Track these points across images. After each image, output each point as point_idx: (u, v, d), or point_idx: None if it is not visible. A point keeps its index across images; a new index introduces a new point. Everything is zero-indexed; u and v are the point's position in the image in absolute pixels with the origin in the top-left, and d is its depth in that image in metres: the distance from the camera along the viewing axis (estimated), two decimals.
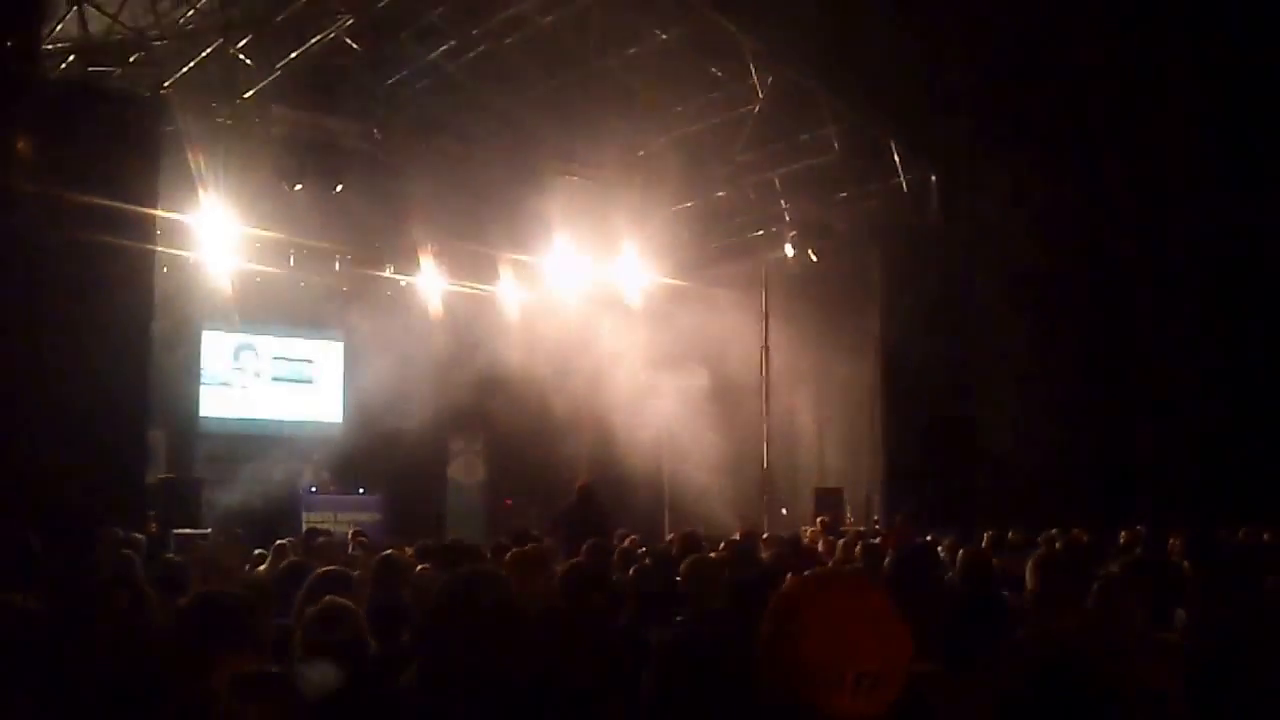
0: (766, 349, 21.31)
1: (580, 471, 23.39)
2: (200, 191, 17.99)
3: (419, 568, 7.67)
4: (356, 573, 6.95)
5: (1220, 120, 14.38)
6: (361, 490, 21.25)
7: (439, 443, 23.67)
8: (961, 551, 9.71)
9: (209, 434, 22.55)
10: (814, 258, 19.90)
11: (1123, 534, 11.76)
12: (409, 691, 3.74)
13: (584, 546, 8.58)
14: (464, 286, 22.80)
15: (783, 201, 19.66)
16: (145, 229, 14.36)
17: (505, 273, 22.65)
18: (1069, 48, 15.41)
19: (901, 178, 17.94)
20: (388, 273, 22.70)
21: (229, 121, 17.04)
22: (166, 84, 15.55)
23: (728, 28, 16.53)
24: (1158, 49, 14.87)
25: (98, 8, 14.76)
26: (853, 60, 16.03)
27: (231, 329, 22.99)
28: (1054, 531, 11.80)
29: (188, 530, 15.03)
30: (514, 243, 21.51)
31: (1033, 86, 15.74)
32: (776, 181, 19.51)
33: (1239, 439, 14.14)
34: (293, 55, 16.18)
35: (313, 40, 15.95)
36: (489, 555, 9.45)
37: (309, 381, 24.25)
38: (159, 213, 15.36)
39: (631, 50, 17.20)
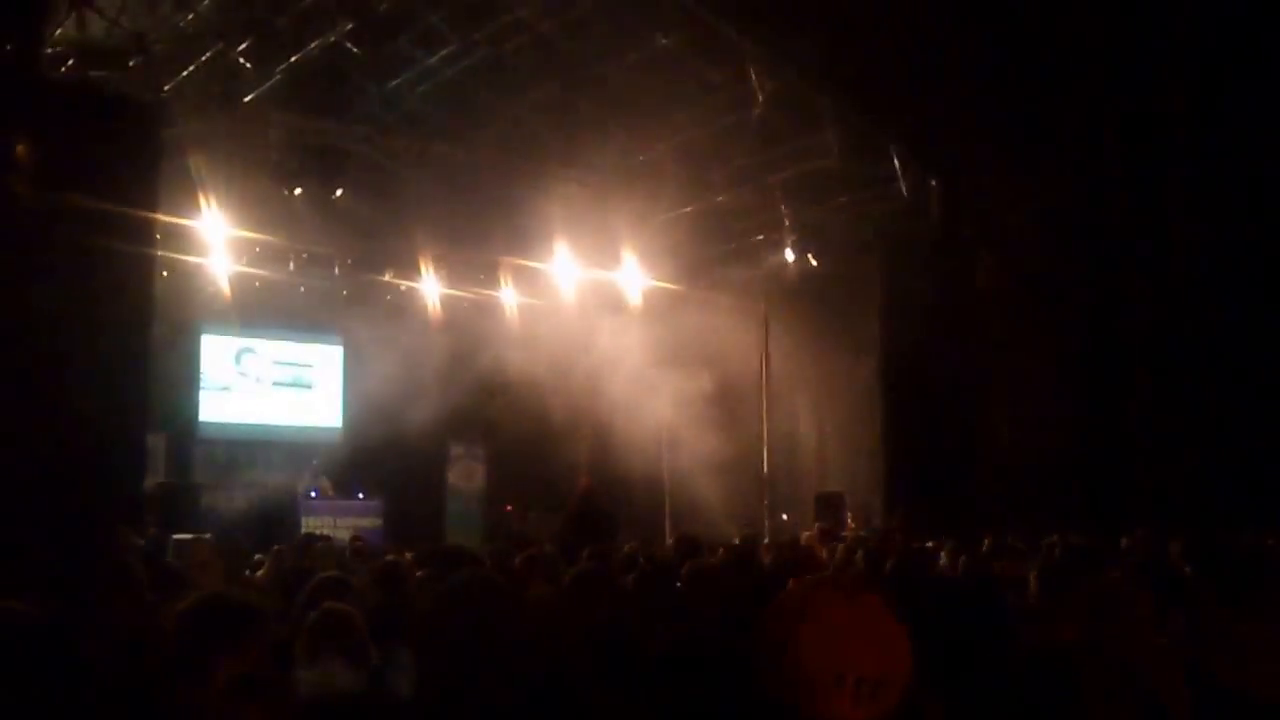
0: (767, 354, 21.31)
1: (580, 477, 23.48)
2: (200, 195, 18.00)
3: (418, 574, 7.66)
4: (354, 578, 6.94)
5: (1226, 122, 14.35)
6: (361, 495, 21.23)
7: (439, 448, 23.65)
8: (962, 558, 9.72)
9: (208, 439, 22.53)
10: (814, 263, 19.89)
11: (1124, 539, 11.73)
12: (409, 698, 3.73)
13: (585, 553, 8.55)
14: (464, 291, 22.79)
15: (782, 206, 19.64)
16: (144, 233, 14.32)
17: (505, 278, 22.64)
18: (1070, 50, 15.39)
19: (902, 182, 17.92)
20: (387, 277, 22.68)
21: (229, 125, 17.01)
22: (166, 88, 15.55)
23: (727, 32, 16.50)
24: (1162, 50, 14.84)
25: (98, 11, 14.75)
26: (852, 64, 16.00)
27: (231, 333, 22.97)
28: (1055, 537, 11.79)
29: (186, 535, 14.99)
30: (514, 247, 21.51)
31: (1034, 90, 15.71)
32: (776, 186, 19.47)
33: (1243, 443, 14.10)
34: (292, 59, 16.17)
35: (312, 44, 15.95)
36: (488, 561, 9.42)
37: (308, 386, 24.23)
38: (158, 216, 15.34)
39: (631, 55, 17.18)
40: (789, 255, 19.98)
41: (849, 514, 18.31)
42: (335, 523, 19.14)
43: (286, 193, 18.92)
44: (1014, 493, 16.00)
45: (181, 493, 18.21)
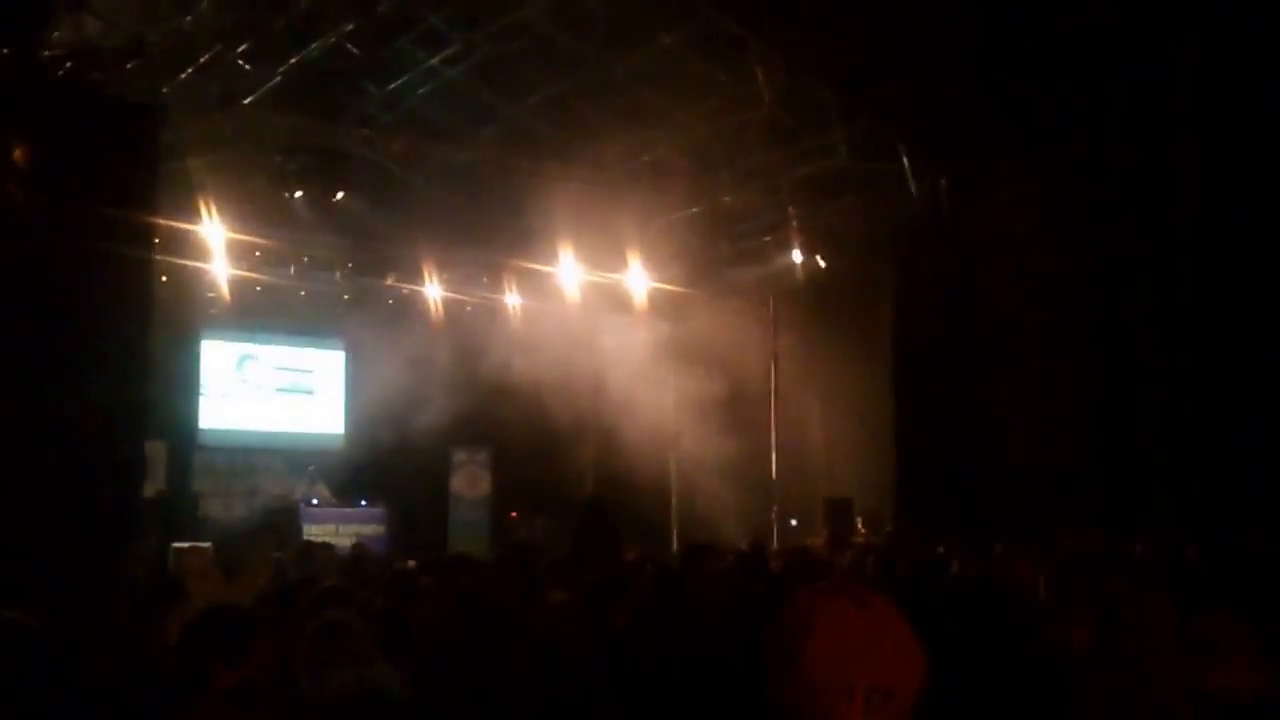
0: (775, 356, 21.21)
1: (586, 483, 23.40)
2: (199, 199, 17.93)
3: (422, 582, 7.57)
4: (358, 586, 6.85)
5: (1235, 121, 14.26)
6: (363, 503, 21.18)
7: (442, 454, 23.60)
8: (973, 563, 9.62)
9: (208, 446, 22.45)
10: (822, 264, 19.81)
11: (1138, 543, 11.63)
12: (410, 705, 3.68)
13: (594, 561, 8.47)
14: (467, 295, 22.74)
15: (790, 207, 19.56)
16: (143, 236, 14.21)
17: (509, 281, 22.58)
18: (1080, 47, 15.30)
19: (911, 182, 17.82)
20: (389, 281, 22.63)
21: (228, 128, 16.93)
22: (165, 90, 15.44)
23: (733, 31, 16.40)
24: (1170, 47, 14.76)
25: (95, 14, 14.66)
26: (860, 63, 15.92)
27: (231, 339, 22.93)
28: (1068, 541, 11.68)
29: (185, 545, 14.88)
30: (517, 250, 21.44)
31: (1044, 89, 15.63)
32: (784, 187, 19.38)
33: (1257, 444, 14.00)
34: (292, 61, 16.10)
35: (312, 46, 15.88)
36: (494, 570, 9.32)
37: (310, 392, 24.17)
38: (157, 220, 15.25)
39: (635, 55, 17.08)
40: (797, 256, 19.91)
41: (859, 519, 18.21)
42: (338, 530, 19.10)
43: (287, 195, 18.88)
44: (1026, 496, 15.92)
45: (181, 501, 18.14)
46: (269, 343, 23.68)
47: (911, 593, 5.90)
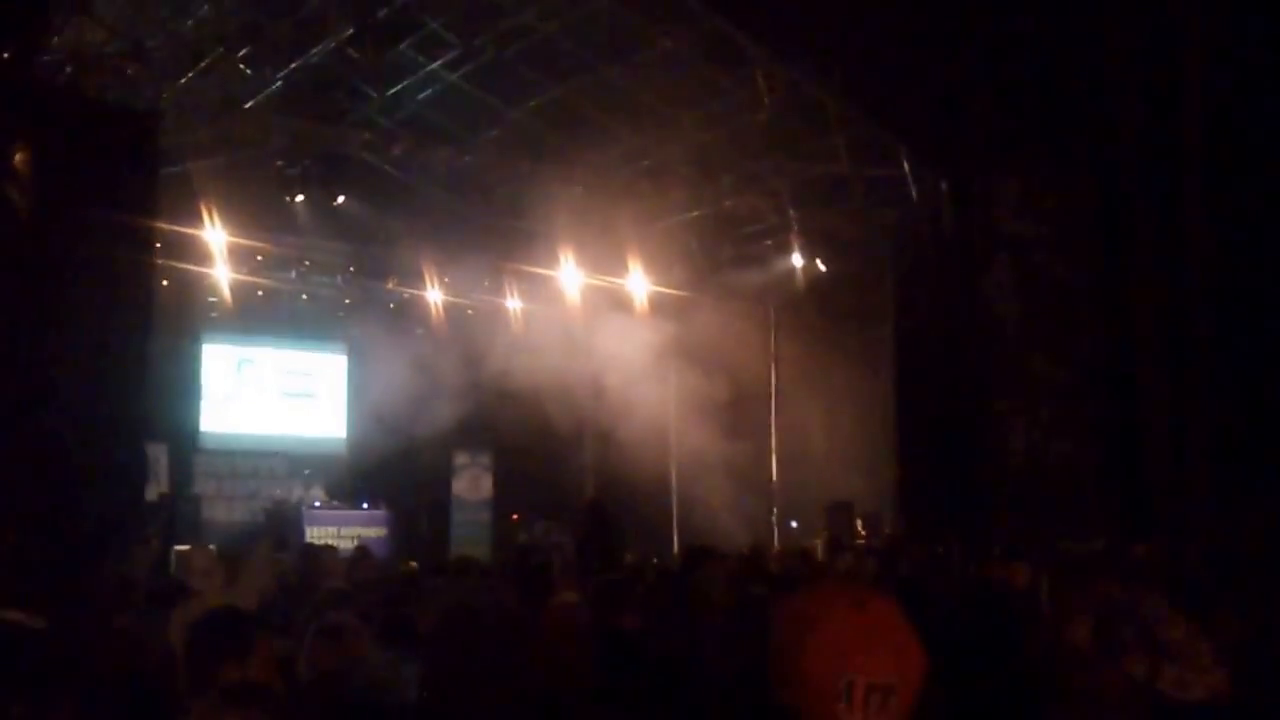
0: (775, 360, 21.21)
1: (588, 486, 23.41)
2: (200, 203, 17.94)
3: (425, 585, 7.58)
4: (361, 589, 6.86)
5: (1241, 125, 14.26)
6: (365, 505, 21.17)
7: (443, 457, 23.58)
8: (973, 565, 9.63)
9: (210, 450, 22.44)
10: (822, 267, 19.80)
11: (1138, 546, 11.63)
12: (411, 708, 3.69)
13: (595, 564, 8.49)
14: (468, 298, 22.72)
15: (790, 211, 19.55)
16: (144, 241, 14.23)
17: (510, 284, 22.57)
18: (1082, 52, 15.29)
19: (911, 186, 17.79)
20: (391, 285, 22.64)
21: (229, 132, 16.94)
22: (166, 95, 15.46)
23: (733, 35, 16.41)
24: (1173, 52, 14.76)
25: (96, 19, 14.67)
26: (860, 67, 15.91)
27: (233, 342, 22.93)
28: (1068, 543, 11.67)
29: (188, 547, 14.89)
30: (518, 253, 21.43)
31: (1045, 92, 15.61)
32: (784, 190, 19.38)
33: (1261, 448, 14.00)
34: (293, 65, 16.11)
35: (313, 50, 15.89)
36: (497, 572, 9.34)
37: (311, 395, 24.15)
38: (158, 224, 15.26)
39: (636, 58, 17.09)
40: (797, 260, 19.89)
41: (859, 522, 18.21)
42: (339, 532, 19.08)
43: (288, 199, 18.89)
44: (1026, 500, 15.90)
45: (183, 504, 18.13)
46: (270, 346, 23.66)
47: (911, 594, 5.90)
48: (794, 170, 18.90)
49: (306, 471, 21.68)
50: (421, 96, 18.64)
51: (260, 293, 21.55)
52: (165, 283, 18.66)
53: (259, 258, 20.68)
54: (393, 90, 18.41)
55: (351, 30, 15.59)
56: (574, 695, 4.49)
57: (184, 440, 21.55)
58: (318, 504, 20.62)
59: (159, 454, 19.19)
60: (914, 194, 17.84)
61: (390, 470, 22.52)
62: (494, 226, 21.25)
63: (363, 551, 12.28)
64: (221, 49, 15.49)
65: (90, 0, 14.52)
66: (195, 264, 19.82)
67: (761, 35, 16.35)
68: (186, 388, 21.80)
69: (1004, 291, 16.71)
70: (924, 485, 17.30)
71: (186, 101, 15.89)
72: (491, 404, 22.13)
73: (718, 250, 21.48)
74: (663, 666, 5.23)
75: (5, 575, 6.80)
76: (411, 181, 20.69)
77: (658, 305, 21.64)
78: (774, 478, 21.10)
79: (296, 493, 20.75)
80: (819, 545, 16.11)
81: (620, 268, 21.25)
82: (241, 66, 15.98)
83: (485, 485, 23.81)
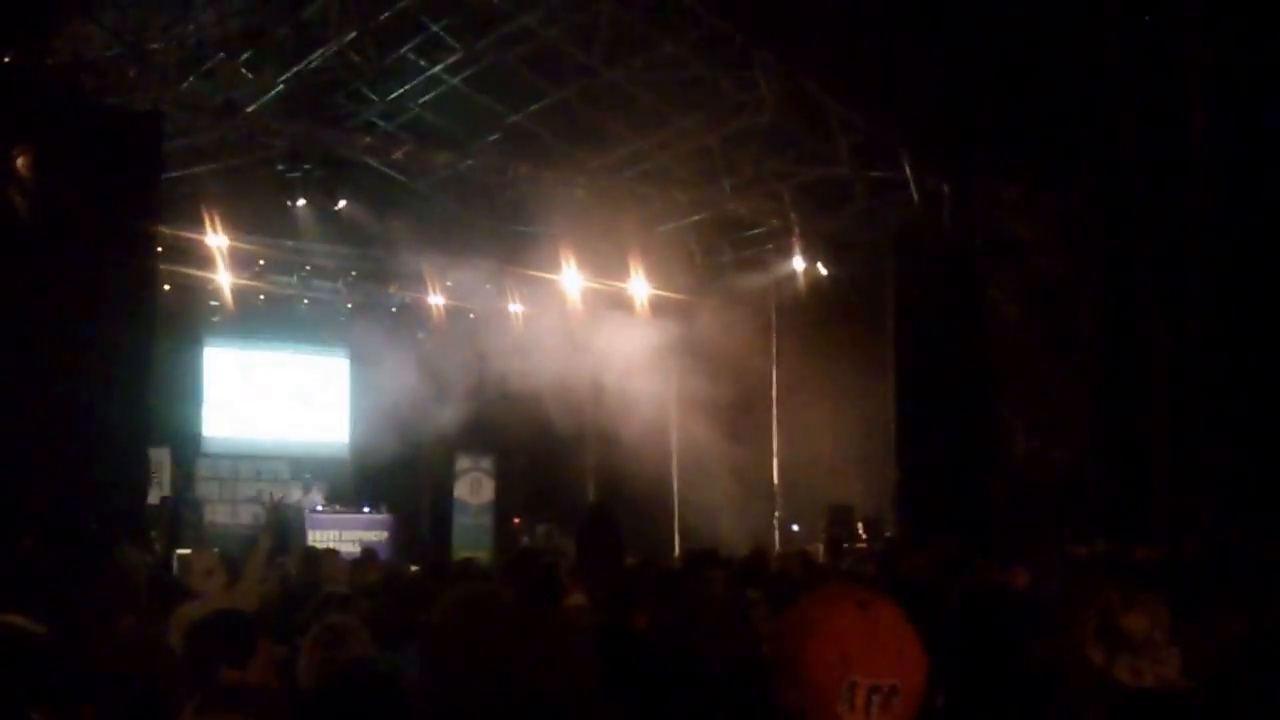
0: (776, 363, 21.19)
1: (589, 490, 23.41)
2: (202, 207, 17.94)
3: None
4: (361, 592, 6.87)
5: (1244, 127, 14.25)
6: (367, 509, 21.17)
7: (445, 461, 23.58)
8: (974, 569, 9.61)
9: (212, 454, 22.45)
10: (824, 270, 19.79)
11: (1140, 548, 11.63)
12: (413, 711, 3.69)
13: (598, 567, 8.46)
14: (470, 302, 22.73)
15: (792, 214, 19.54)
16: (146, 245, 14.26)
17: (511, 288, 22.57)
18: (1084, 53, 15.29)
19: (913, 189, 17.80)
20: (392, 289, 22.65)
21: (230, 136, 16.96)
22: (167, 99, 15.47)
23: (735, 37, 16.42)
24: (1175, 54, 14.75)
25: (98, 22, 14.69)
26: (862, 69, 15.92)
27: (235, 347, 22.93)
28: (1071, 546, 11.68)
29: (190, 550, 14.90)
30: (520, 257, 21.43)
31: (1047, 95, 15.61)
32: (785, 193, 19.38)
33: (1260, 452, 13.99)
34: (295, 69, 16.11)
35: (315, 54, 15.89)
36: (498, 576, 9.33)
37: (313, 399, 24.15)
38: (160, 229, 15.28)
39: (638, 61, 17.09)
40: (799, 263, 19.86)
41: (860, 525, 18.19)
42: (340, 536, 19.07)
43: (289, 203, 18.90)
44: (1028, 502, 15.90)
45: (185, 508, 18.13)
46: (272, 350, 23.66)
47: (911, 596, 5.88)
48: (795, 173, 18.89)
49: (308, 475, 21.68)
50: (423, 100, 18.66)
51: (262, 297, 21.57)
52: (167, 287, 18.71)
53: (261, 262, 20.69)
54: (394, 94, 18.43)
55: (353, 34, 15.60)
56: (582, 697, 4.49)
57: (187, 444, 21.56)
58: (319, 508, 20.62)
59: (162, 458, 19.21)
60: (915, 197, 17.85)
61: (392, 474, 22.53)
62: (495, 230, 21.25)
63: (369, 554, 12.28)
64: (223, 53, 15.49)
65: (92, 4, 14.54)
66: (197, 268, 19.85)
67: (763, 38, 16.37)
68: (189, 392, 21.81)
69: (1005, 294, 16.73)
70: (925, 488, 17.29)
71: (188, 105, 15.88)
72: (493, 407, 22.14)
73: (719, 253, 21.49)
74: (665, 668, 5.23)
75: (8, 578, 6.80)
76: (413, 185, 20.70)
77: (659, 308, 21.64)
78: (775, 480, 21.06)
79: (297, 496, 20.73)
80: (820, 548, 16.08)
81: (621, 271, 21.24)
82: (243, 70, 15.97)
83: (487, 489, 23.80)
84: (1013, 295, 16.74)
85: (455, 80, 18.01)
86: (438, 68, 17.60)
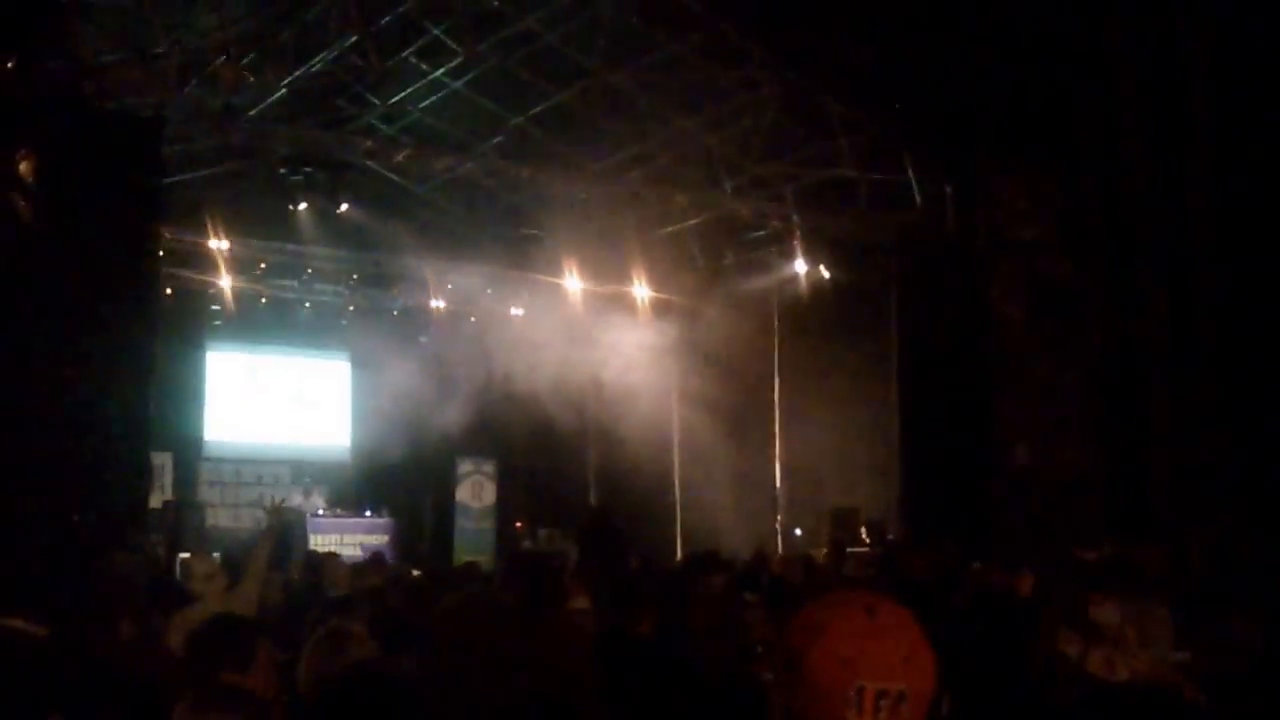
0: (779, 365, 21.18)
1: (591, 493, 23.41)
2: (204, 211, 17.95)
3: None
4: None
5: (1247, 127, 14.25)
6: (369, 513, 21.17)
7: (447, 464, 23.58)
8: (978, 573, 9.60)
9: (214, 457, 22.46)
10: (826, 272, 19.78)
11: (1144, 551, 11.61)
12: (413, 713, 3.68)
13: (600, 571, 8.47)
14: (471, 305, 22.73)
15: (794, 216, 19.53)
16: (147, 249, 14.27)
17: (513, 291, 22.57)
18: (1086, 54, 15.29)
19: (916, 190, 17.79)
20: (394, 292, 22.65)
21: (232, 140, 16.95)
22: (169, 102, 15.47)
23: (737, 38, 16.42)
24: (1177, 55, 14.75)
25: (99, 26, 14.69)
26: (865, 71, 15.92)
27: (237, 350, 22.93)
28: (1075, 549, 11.65)
29: (191, 554, 14.88)
30: (521, 260, 21.45)
31: (1049, 95, 15.61)
32: (788, 195, 19.37)
33: (1264, 454, 13.99)
34: (296, 73, 16.11)
35: (317, 58, 15.90)
36: (498, 579, 9.32)
37: (315, 403, 24.14)
38: (162, 232, 15.28)
39: (639, 64, 17.10)
40: (801, 266, 19.86)
41: (863, 529, 18.17)
42: (341, 539, 19.08)
43: (291, 207, 18.91)
44: (1032, 505, 15.90)
45: (186, 511, 18.13)
46: (274, 354, 23.66)
47: (915, 600, 5.86)
48: (797, 175, 18.89)
49: (310, 479, 21.68)
50: (424, 103, 18.66)
51: (264, 300, 21.57)
52: (169, 291, 18.71)
53: (262, 265, 20.71)
54: (395, 97, 18.43)
55: (354, 38, 15.60)
56: (582, 700, 4.48)
57: (189, 448, 21.58)
58: (321, 512, 20.62)
59: (164, 462, 19.22)
60: (918, 198, 17.84)
61: (394, 477, 22.53)
62: (497, 233, 21.27)
63: (377, 558, 12.27)
64: (225, 57, 15.48)
65: (95, 8, 14.54)
66: (199, 272, 19.87)
67: (765, 39, 16.36)
68: (191, 396, 21.81)
69: (1008, 296, 16.72)
70: (929, 491, 17.29)
71: (190, 109, 15.88)
72: (495, 411, 22.14)
73: (721, 256, 21.48)
74: (664, 672, 5.22)
75: (8, 582, 6.79)
76: (414, 188, 20.70)
77: (660, 311, 21.64)
78: (778, 484, 21.05)
79: (299, 500, 20.72)
80: (823, 551, 16.05)
81: (623, 274, 21.25)
82: (245, 74, 15.97)
83: (489, 492, 23.80)
84: (1016, 297, 16.74)
85: (456, 83, 18.01)
86: (439, 71, 17.61)
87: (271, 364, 23.71)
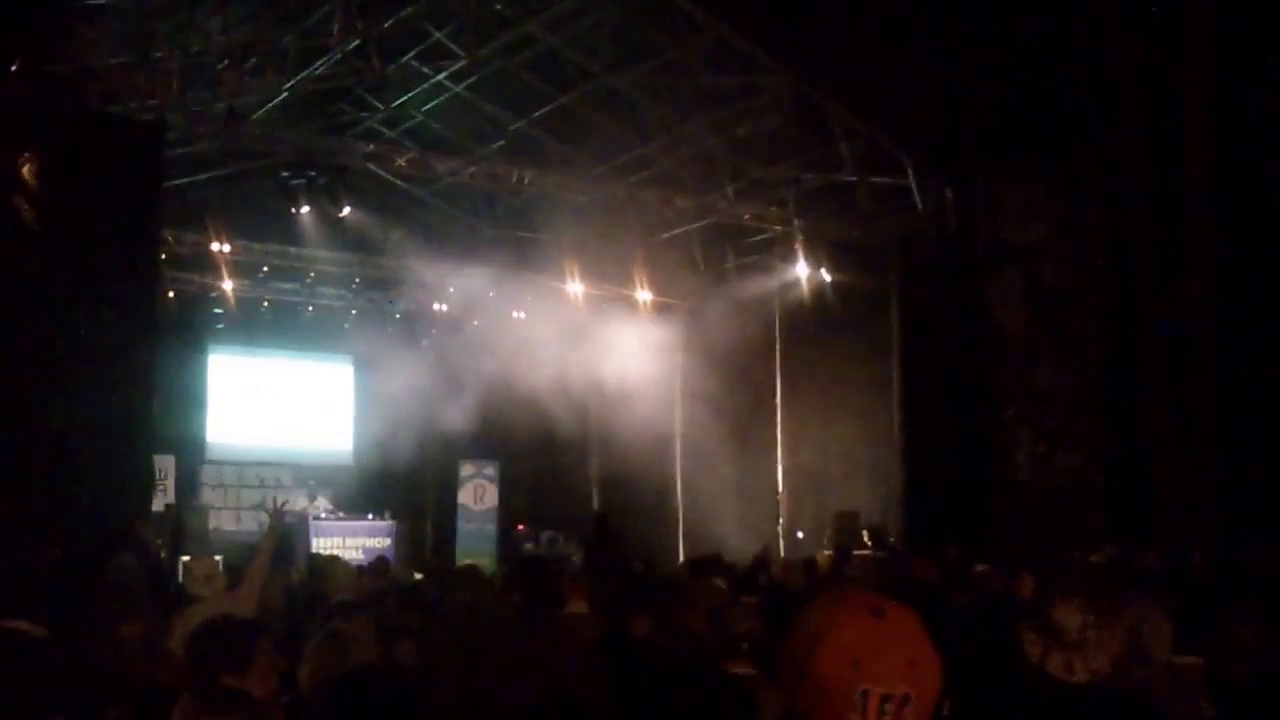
0: (780, 368, 21.17)
1: (593, 497, 23.39)
2: (206, 214, 17.96)
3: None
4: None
5: (1246, 131, 14.25)
6: (371, 516, 21.16)
7: (449, 467, 23.56)
8: (979, 576, 9.60)
9: (217, 460, 22.46)
10: (827, 276, 19.76)
11: (1144, 554, 11.61)
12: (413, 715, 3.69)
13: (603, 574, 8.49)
14: (473, 308, 22.72)
15: (796, 220, 19.52)
16: (151, 253, 14.28)
17: (515, 294, 22.56)
18: (1086, 61, 15.29)
19: (916, 194, 17.79)
20: (396, 295, 22.65)
21: (234, 144, 16.97)
22: (171, 106, 15.49)
23: (738, 44, 16.42)
24: (1177, 61, 14.75)
25: (102, 31, 14.70)
26: (865, 75, 15.91)
27: (239, 353, 22.93)
28: (1074, 554, 11.65)
29: (192, 556, 14.89)
30: (523, 263, 21.45)
31: (1050, 101, 15.61)
32: (789, 199, 19.36)
33: (1264, 457, 13.99)
34: (299, 77, 16.13)
35: (319, 62, 15.91)
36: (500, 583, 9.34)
37: (317, 406, 24.13)
38: (164, 236, 15.30)
39: (641, 67, 17.11)
40: (802, 269, 19.83)
41: (865, 533, 18.16)
42: (344, 543, 19.07)
43: (293, 211, 18.91)
44: (1033, 509, 15.89)
45: (190, 515, 18.12)
46: (276, 357, 23.65)
47: (916, 604, 5.86)
48: (799, 179, 18.87)
49: (312, 482, 21.67)
50: (426, 107, 18.70)
51: (266, 303, 21.59)
52: (172, 294, 18.74)
53: (265, 268, 20.72)
54: (398, 101, 18.47)
55: (357, 42, 15.61)
56: (582, 704, 4.47)
57: (191, 451, 21.57)
58: (323, 515, 20.60)
59: (166, 465, 19.22)
60: (919, 202, 17.83)
61: (396, 481, 22.52)
62: (499, 236, 21.28)
63: (381, 561, 12.28)
64: (227, 61, 15.50)
65: (98, 12, 14.56)
66: (201, 275, 19.88)
67: (766, 44, 16.37)
68: (193, 399, 21.80)
69: (1009, 300, 16.70)
70: (930, 495, 17.27)
71: (193, 113, 15.90)
72: (497, 414, 22.12)
73: (722, 259, 21.47)
74: (663, 675, 5.22)
75: (11, 585, 6.81)
76: (417, 192, 20.72)
77: (662, 314, 21.63)
78: (780, 487, 21.04)
79: (302, 503, 20.73)
80: (824, 555, 16.05)
81: (625, 277, 21.24)
82: (247, 78, 15.99)
83: (491, 495, 23.77)
84: (1016, 301, 16.72)
85: (459, 87, 18.04)
86: (441, 75, 17.64)
87: (274, 367, 23.70)
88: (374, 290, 22.55)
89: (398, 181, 20.02)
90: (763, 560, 13.01)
